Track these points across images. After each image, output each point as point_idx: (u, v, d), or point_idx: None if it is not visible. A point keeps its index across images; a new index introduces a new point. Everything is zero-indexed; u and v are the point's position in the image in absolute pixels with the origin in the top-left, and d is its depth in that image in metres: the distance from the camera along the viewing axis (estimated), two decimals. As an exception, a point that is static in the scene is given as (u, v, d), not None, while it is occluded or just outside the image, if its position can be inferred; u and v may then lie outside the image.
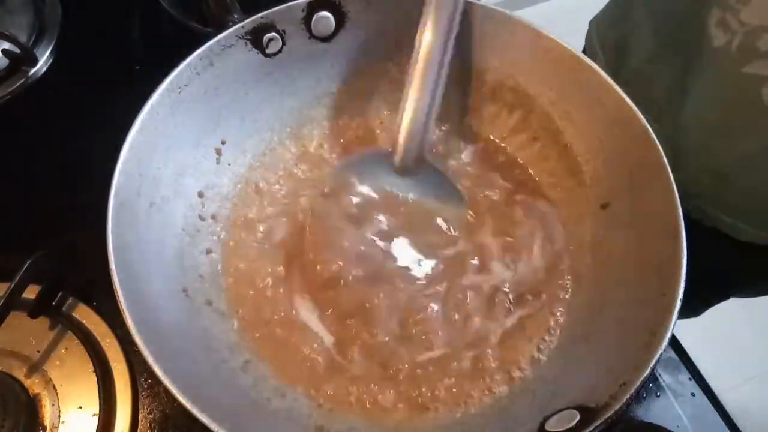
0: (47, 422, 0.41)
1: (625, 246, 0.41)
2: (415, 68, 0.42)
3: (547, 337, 0.42)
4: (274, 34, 0.44)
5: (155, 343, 0.33)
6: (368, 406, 0.40)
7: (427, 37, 0.41)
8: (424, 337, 0.42)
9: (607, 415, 0.31)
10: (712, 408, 0.45)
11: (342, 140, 0.50)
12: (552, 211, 0.46)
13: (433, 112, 0.43)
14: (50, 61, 0.58)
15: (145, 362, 0.32)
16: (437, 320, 0.42)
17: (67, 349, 0.44)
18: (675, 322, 0.33)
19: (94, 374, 0.42)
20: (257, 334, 0.42)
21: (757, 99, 0.44)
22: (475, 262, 0.44)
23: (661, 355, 0.32)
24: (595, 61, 0.42)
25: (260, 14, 0.43)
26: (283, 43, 0.45)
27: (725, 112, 0.48)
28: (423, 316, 0.42)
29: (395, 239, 0.45)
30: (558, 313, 0.43)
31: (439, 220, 0.46)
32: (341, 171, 0.47)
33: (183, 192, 0.43)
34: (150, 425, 0.43)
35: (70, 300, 0.46)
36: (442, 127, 0.50)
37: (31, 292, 0.44)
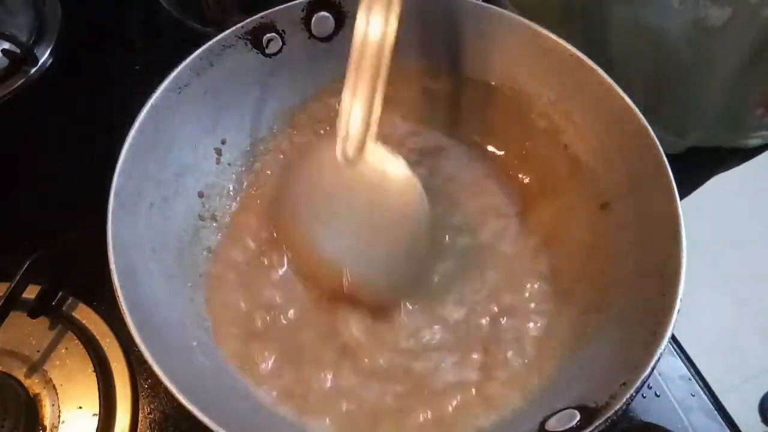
0: (47, 422, 0.41)
1: (625, 246, 0.41)
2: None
3: (546, 337, 0.42)
4: (274, 34, 0.44)
5: (155, 343, 0.33)
6: (370, 406, 0.39)
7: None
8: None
9: (607, 414, 0.31)
10: (712, 408, 0.45)
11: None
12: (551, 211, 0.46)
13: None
14: (50, 61, 0.58)
15: (145, 362, 0.32)
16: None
17: (67, 349, 0.44)
18: (675, 322, 0.33)
19: (94, 374, 0.43)
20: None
21: None
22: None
23: (661, 355, 0.32)
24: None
25: (260, 14, 0.43)
26: (283, 43, 0.45)
27: None
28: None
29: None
30: (558, 313, 0.43)
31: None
32: None
33: (183, 192, 0.43)
34: (150, 425, 0.43)
35: (70, 300, 0.46)
36: (438, 129, 0.50)
37: (31, 292, 0.44)
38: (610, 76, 0.40)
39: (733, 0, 0.45)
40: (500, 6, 0.43)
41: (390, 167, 0.40)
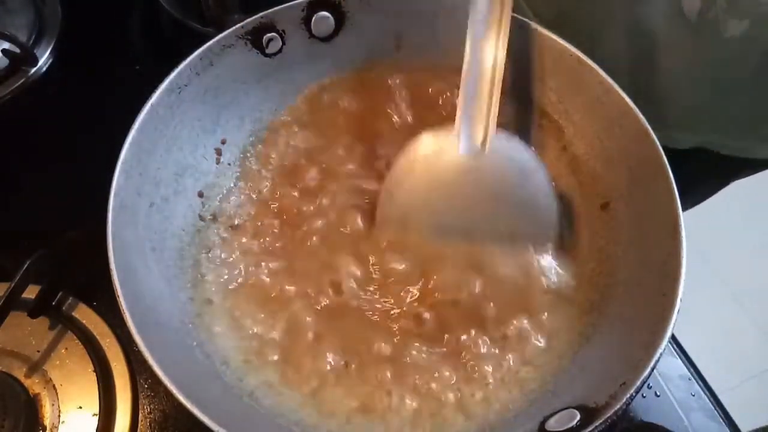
0: (47, 422, 0.41)
1: (625, 246, 0.41)
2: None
3: (546, 337, 0.42)
4: (274, 34, 0.44)
5: (155, 343, 0.33)
6: (370, 409, 0.39)
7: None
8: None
9: (607, 414, 0.31)
10: (712, 408, 0.45)
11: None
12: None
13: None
14: (50, 61, 0.58)
15: (145, 362, 0.32)
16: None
17: (67, 349, 0.44)
18: (675, 321, 0.33)
19: (94, 374, 0.43)
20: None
21: None
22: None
23: (661, 355, 0.32)
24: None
25: (260, 14, 0.43)
26: (283, 43, 0.45)
27: None
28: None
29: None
30: (558, 313, 0.43)
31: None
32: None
33: (183, 192, 0.43)
34: (150, 425, 0.43)
35: (70, 300, 0.46)
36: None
37: (31, 292, 0.45)
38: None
39: (750, 12, 0.44)
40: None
41: (513, 152, 0.40)
